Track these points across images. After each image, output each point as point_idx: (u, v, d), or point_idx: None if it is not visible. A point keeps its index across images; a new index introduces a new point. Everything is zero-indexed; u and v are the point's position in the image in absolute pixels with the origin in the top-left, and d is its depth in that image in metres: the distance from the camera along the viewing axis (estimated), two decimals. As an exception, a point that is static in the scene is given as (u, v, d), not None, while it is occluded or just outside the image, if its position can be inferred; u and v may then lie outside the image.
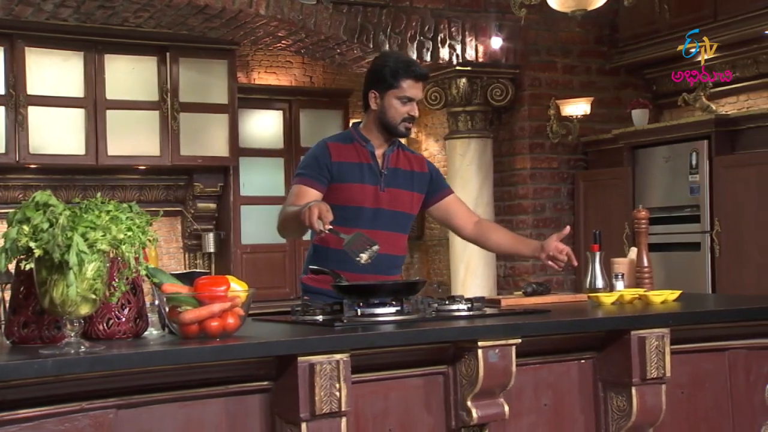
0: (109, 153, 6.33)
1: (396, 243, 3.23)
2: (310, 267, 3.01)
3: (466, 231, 3.44)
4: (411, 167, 3.30)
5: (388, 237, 3.15)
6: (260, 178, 7.13)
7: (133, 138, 6.44)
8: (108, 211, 2.08)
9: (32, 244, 1.94)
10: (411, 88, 3.18)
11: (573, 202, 6.91)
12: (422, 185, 3.33)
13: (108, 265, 2.10)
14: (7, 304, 2.20)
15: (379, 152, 3.25)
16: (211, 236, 6.94)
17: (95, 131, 6.29)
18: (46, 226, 1.96)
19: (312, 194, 3.12)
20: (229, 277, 2.35)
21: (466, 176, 6.75)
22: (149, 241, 2.15)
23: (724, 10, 5.97)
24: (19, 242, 1.95)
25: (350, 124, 3.40)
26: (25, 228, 1.96)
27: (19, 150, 6.05)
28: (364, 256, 2.78)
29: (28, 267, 1.97)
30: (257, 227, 6.96)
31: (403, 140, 3.46)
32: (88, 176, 6.59)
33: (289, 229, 3.16)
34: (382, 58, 3.36)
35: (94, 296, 2.05)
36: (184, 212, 7.03)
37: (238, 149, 6.87)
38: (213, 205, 6.99)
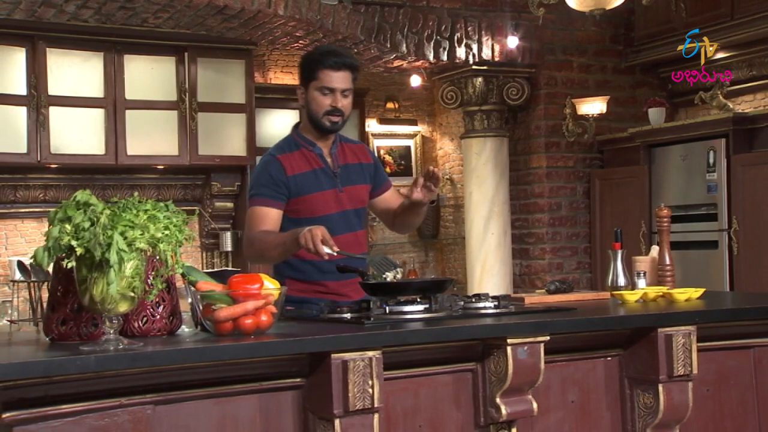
0: (129, 153, 6.37)
1: (363, 240, 3.22)
2: (338, 266, 3.02)
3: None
4: (358, 159, 3.25)
5: (357, 237, 3.15)
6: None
7: (152, 138, 6.48)
8: (146, 210, 2.11)
9: (74, 243, 1.98)
10: (329, 78, 3.07)
11: (589, 200, 6.93)
12: (370, 176, 3.28)
13: (145, 263, 2.14)
14: (45, 302, 2.25)
15: (326, 152, 3.18)
16: (228, 235, 6.97)
17: (115, 131, 6.34)
18: (87, 225, 1.99)
19: (274, 215, 3.08)
20: (262, 275, 2.38)
21: (482, 175, 6.77)
22: (185, 239, 2.18)
23: (741, 9, 5.98)
24: (62, 241, 1.99)
25: (291, 127, 3.29)
26: (67, 227, 1.99)
27: (40, 150, 6.10)
28: (389, 275, 2.81)
29: (69, 265, 2.00)
30: (274, 226, 6.97)
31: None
32: (107, 176, 6.64)
33: (271, 256, 3.08)
34: (307, 53, 3.28)
35: (132, 294, 2.09)
36: (202, 211, 7.07)
37: (255, 148, 6.90)
38: (230, 204, 7.02)
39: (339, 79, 3.09)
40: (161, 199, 6.59)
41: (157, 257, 2.16)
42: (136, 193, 2.29)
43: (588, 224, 6.94)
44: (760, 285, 5.50)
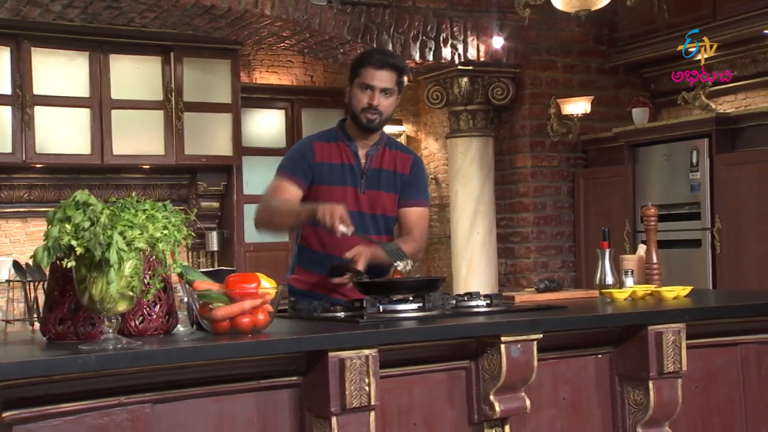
0: (115, 152, 6.37)
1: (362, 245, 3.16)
2: (332, 264, 3.05)
3: None
4: (395, 167, 3.21)
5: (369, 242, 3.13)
6: (263, 177, 7.09)
7: (138, 137, 6.48)
8: (144, 210, 2.12)
9: (74, 243, 1.98)
10: (371, 75, 3.08)
11: (573, 200, 6.98)
12: (401, 186, 3.23)
13: (143, 262, 2.14)
14: (38, 301, 2.26)
15: (362, 152, 3.18)
16: (214, 235, 6.98)
17: (101, 131, 6.33)
18: (87, 224, 2.00)
19: (293, 191, 3.10)
20: (259, 275, 2.40)
21: (468, 175, 6.81)
22: (184, 239, 2.20)
23: (723, 10, 6.05)
24: (62, 240, 1.99)
25: (338, 121, 3.31)
26: (67, 226, 2.00)
27: (25, 149, 6.09)
28: (401, 264, 2.84)
29: (69, 264, 2.01)
30: (261, 226, 6.99)
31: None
32: (92, 175, 6.63)
33: (281, 223, 3.14)
34: (359, 53, 3.32)
35: (131, 293, 2.09)
36: (188, 211, 7.08)
37: (241, 148, 6.92)
38: (216, 204, 7.03)
39: (380, 77, 3.09)
40: (147, 199, 6.60)
41: (154, 257, 2.18)
42: (134, 193, 2.29)
43: (572, 223, 6.99)
44: (743, 283, 5.57)
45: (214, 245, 6.97)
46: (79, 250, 1.99)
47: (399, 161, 3.23)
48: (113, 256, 1.99)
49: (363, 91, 3.10)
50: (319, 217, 2.86)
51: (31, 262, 2.11)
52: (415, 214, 3.25)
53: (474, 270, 6.78)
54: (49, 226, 2.05)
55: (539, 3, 5.10)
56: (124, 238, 2.04)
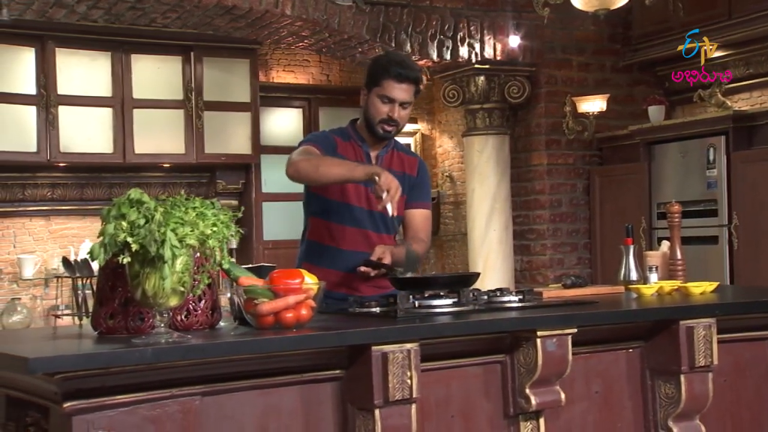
0: (136, 151, 6.44)
1: (384, 244, 3.22)
2: (366, 260, 3.10)
3: None
4: (402, 169, 3.28)
5: (381, 239, 3.21)
6: (281, 175, 7.16)
7: (159, 136, 6.55)
8: (194, 208, 2.18)
9: (130, 239, 2.04)
10: (392, 88, 3.13)
11: (588, 197, 7.02)
12: (408, 187, 3.26)
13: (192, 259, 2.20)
14: (86, 297, 2.31)
15: (373, 153, 3.25)
16: (233, 232, 7.03)
17: (122, 130, 6.40)
18: (142, 222, 2.06)
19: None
20: (302, 271, 2.45)
21: (484, 172, 6.86)
22: (232, 235, 2.26)
23: (738, 8, 6.08)
24: (118, 237, 2.05)
25: (349, 121, 3.36)
26: (123, 224, 2.06)
27: (50, 149, 6.16)
28: (409, 274, 2.91)
29: (125, 261, 2.07)
30: (279, 223, 7.07)
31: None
32: (113, 174, 6.70)
33: (326, 173, 3.02)
34: (377, 57, 3.36)
35: (182, 288, 2.15)
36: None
37: (259, 147, 6.98)
38: (235, 202, 7.09)
39: (400, 91, 3.14)
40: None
41: (199, 254, 2.23)
42: (182, 191, 2.35)
43: (588, 221, 7.04)
44: (760, 279, 5.61)
45: (233, 243, 7.03)
46: (134, 247, 2.05)
47: (406, 163, 3.32)
48: (167, 253, 2.05)
49: (383, 103, 3.15)
50: (380, 182, 2.85)
51: (80, 258, 2.17)
52: (422, 216, 3.34)
53: (490, 267, 6.82)
54: (104, 224, 2.10)
55: (558, 2, 5.15)
56: (176, 235, 2.10)
